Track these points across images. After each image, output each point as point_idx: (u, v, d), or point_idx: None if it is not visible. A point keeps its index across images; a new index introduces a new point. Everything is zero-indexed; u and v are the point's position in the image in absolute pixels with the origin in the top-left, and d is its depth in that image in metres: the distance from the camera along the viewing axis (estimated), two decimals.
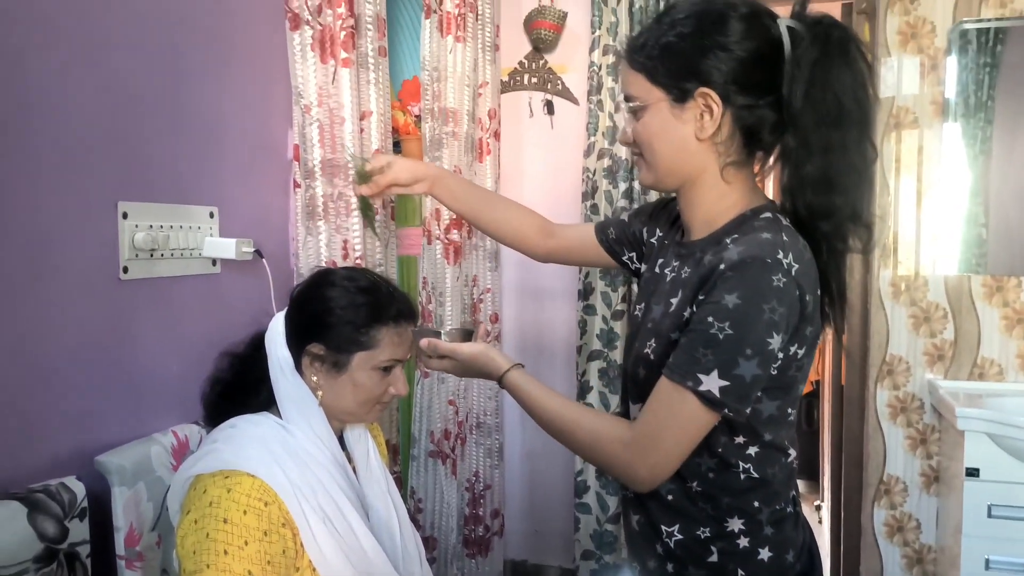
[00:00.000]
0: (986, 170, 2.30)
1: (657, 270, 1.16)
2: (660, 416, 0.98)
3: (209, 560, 0.98)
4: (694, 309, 0.98)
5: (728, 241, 1.00)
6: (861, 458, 2.42)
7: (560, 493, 2.70)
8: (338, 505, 1.12)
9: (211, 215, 1.59)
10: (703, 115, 1.01)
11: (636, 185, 2.44)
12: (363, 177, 1.38)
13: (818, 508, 3.44)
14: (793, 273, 0.94)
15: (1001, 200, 2.29)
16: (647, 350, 1.05)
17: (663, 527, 1.07)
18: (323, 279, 1.20)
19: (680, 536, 1.06)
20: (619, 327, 2.47)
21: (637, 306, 1.19)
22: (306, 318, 1.17)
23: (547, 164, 2.68)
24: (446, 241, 2.22)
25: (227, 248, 1.57)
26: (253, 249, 1.64)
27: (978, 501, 2.03)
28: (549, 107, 2.67)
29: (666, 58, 1.01)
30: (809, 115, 0.97)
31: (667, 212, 1.24)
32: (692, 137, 1.02)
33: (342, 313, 1.15)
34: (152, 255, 1.42)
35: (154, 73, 1.44)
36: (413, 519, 1.31)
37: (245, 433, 1.12)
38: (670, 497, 1.06)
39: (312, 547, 1.07)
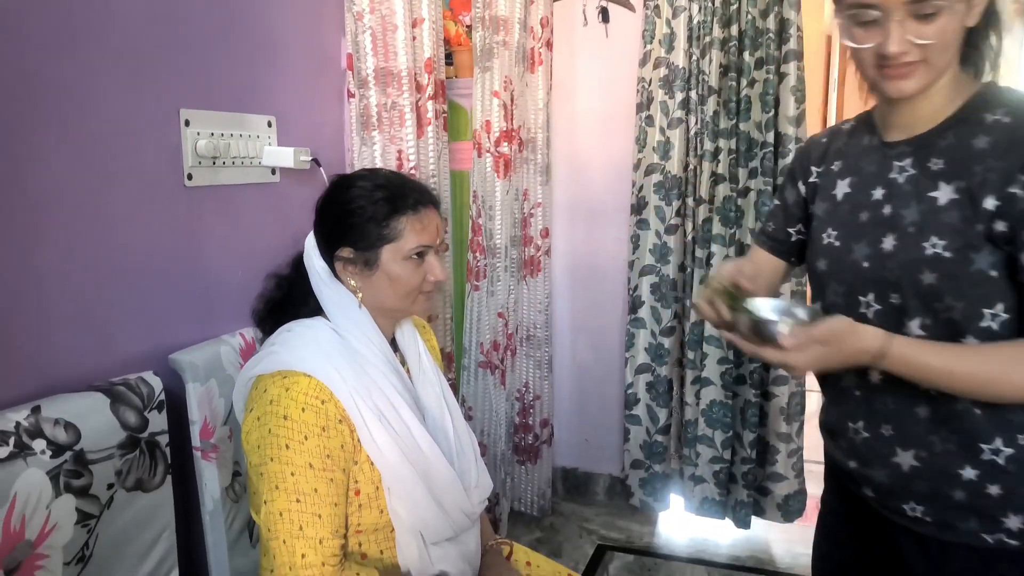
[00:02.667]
0: None
1: (850, 189, 1.09)
2: None
3: (272, 454, 1.05)
4: (1015, 191, 0.90)
5: (991, 118, 0.95)
6: None
7: (610, 405, 2.74)
8: (393, 404, 1.16)
9: (269, 124, 1.61)
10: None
11: (693, 95, 2.37)
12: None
13: None
14: None
15: None
16: (930, 252, 0.95)
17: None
18: (340, 184, 1.22)
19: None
20: (672, 241, 2.44)
21: (832, 231, 1.10)
22: (330, 224, 1.20)
23: (601, 74, 2.61)
24: (496, 154, 2.20)
25: (285, 157, 1.59)
26: (311, 158, 1.66)
27: None
28: (604, 14, 2.58)
29: None
30: None
31: (813, 151, 1.20)
32: (963, 27, 0.96)
33: (361, 212, 1.17)
34: (215, 163, 1.45)
35: None
36: None
37: (301, 336, 1.16)
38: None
39: (369, 444, 1.12)
